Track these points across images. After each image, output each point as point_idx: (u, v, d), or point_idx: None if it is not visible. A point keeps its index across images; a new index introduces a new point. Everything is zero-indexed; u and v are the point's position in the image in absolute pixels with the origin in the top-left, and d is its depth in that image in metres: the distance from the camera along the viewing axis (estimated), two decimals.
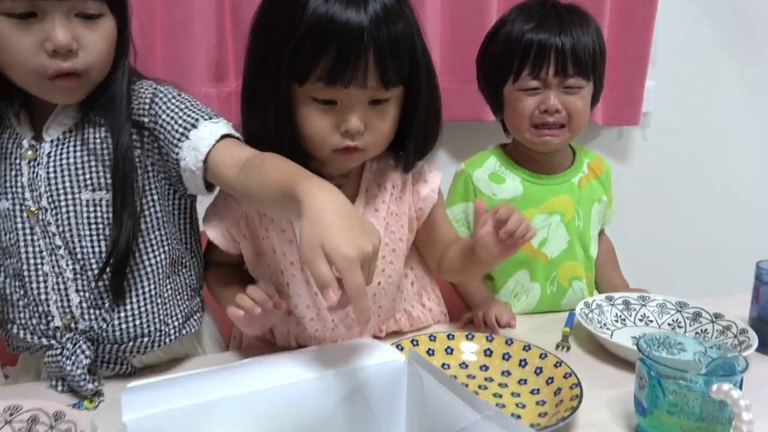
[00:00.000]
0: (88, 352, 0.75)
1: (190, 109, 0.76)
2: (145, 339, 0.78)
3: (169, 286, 0.80)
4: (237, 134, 0.77)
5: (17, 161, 0.75)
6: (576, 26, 0.95)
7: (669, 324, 0.95)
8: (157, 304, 0.78)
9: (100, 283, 0.75)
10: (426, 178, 0.88)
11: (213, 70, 1.26)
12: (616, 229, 1.18)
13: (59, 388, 0.76)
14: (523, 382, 0.77)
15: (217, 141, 0.73)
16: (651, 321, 0.96)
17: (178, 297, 0.82)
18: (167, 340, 0.80)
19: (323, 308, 0.81)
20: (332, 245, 0.52)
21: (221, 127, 0.75)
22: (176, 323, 0.81)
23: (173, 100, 0.77)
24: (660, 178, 1.69)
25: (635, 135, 1.66)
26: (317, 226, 0.54)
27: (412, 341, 0.82)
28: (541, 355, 0.78)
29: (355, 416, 0.56)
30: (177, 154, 0.74)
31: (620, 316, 0.97)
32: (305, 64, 0.70)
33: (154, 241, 0.78)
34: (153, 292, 0.78)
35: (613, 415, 0.72)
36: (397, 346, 0.80)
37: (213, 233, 0.82)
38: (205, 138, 0.73)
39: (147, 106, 0.76)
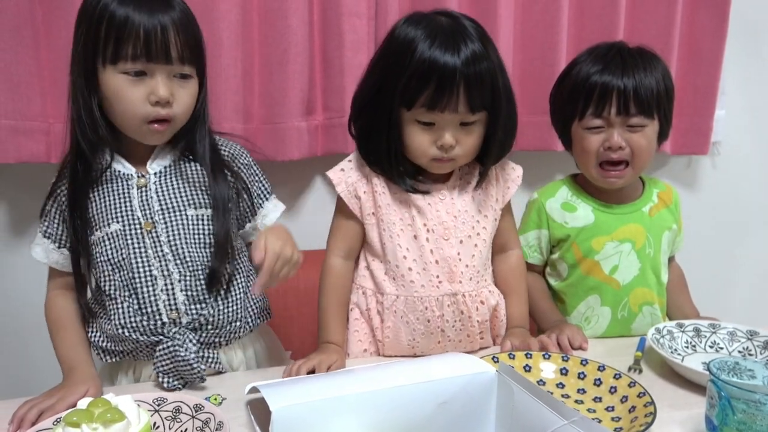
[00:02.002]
0: (194, 340, 0.90)
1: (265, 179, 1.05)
2: (238, 323, 0.95)
3: (246, 282, 0.97)
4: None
5: (126, 191, 0.92)
6: (640, 69, 1.01)
7: (739, 351, 0.98)
8: (245, 293, 0.97)
9: (202, 281, 0.91)
10: (509, 165, 1.08)
11: (304, 106, 1.40)
12: (686, 258, 1.21)
13: (166, 383, 0.88)
14: (598, 399, 0.83)
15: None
16: (721, 348, 0.99)
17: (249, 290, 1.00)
18: (248, 327, 0.98)
19: (429, 263, 0.97)
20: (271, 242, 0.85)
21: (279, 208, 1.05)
22: (253, 313, 0.99)
23: (254, 164, 1.04)
24: (729, 207, 1.69)
25: (705, 164, 1.67)
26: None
27: (492, 358, 0.89)
28: (615, 375, 0.84)
29: (451, 419, 0.64)
30: (260, 206, 1.03)
31: (691, 343, 1.00)
32: (412, 94, 0.91)
33: (238, 245, 0.98)
34: (242, 286, 0.96)
35: None
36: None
37: (346, 196, 1.00)
38: (269, 215, 1.03)
39: (232, 155, 1.01)
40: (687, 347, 1.00)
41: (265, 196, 1.04)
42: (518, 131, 1.48)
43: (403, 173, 0.98)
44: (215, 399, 0.83)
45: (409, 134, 0.94)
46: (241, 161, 1.02)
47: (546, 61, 1.45)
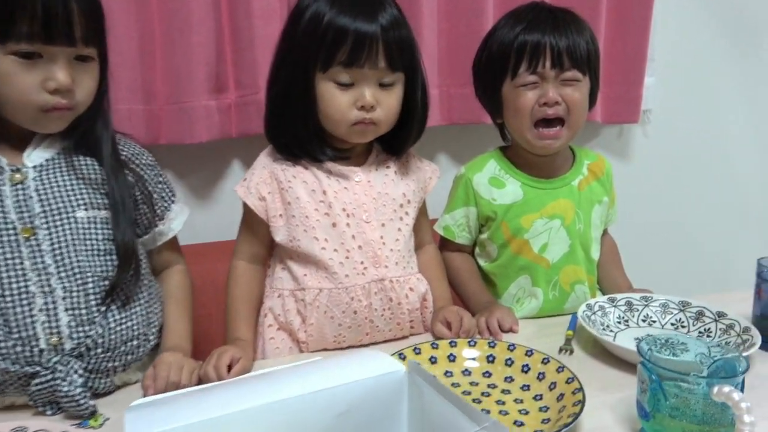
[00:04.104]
0: (81, 371, 0.76)
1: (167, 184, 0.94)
2: (134, 342, 0.82)
3: (147, 293, 0.86)
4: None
5: None
6: (570, 26, 0.97)
7: (672, 324, 0.95)
8: (144, 307, 0.84)
9: (93, 297, 0.78)
10: (425, 161, 1.04)
11: (213, 82, 1.28)
12: (618, 229, 1.18)
13: (49, 412, 0.75)
14: (526, 387, 0.77)
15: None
16: (654, 321, 0.96)
17: (155, 305, 0.88)
18: (149, 345, 0.85)
19: (351, 249, 0.90)
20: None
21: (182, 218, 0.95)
22: (155, 329, 0.87)
23: (157, 165, 0.93)
24: (661, 176, 1.69)
25: (636, 133, 1.65)
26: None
27: (414, 349, 0.82)
28: (543, 360, 0.79)
29: (357, 428, 0.56)
30: (167, 210, 0.92)
31: (623, 318, 0.97)
32: (328, 54, 0.86)
33: (140, 251, 0.86)
34: (138, 297, 0.84)
35: (617, 419, 0.72)
36: (399, 355, 0.80)
37: (250, 199, 0.92)
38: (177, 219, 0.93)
39: (132, 155, 0.89)
40: (619, 322, 0.96)
41: (170, 198, 0.93)
42: (447, 104, 1.45)
43: (323, 144, 0.92)
44: (95, 420, 0.73)
45: (327, 98, 0.88)
46: (142, 161, 0.90)
47: (472, 28, 1.38)
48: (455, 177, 1.10)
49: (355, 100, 0.88)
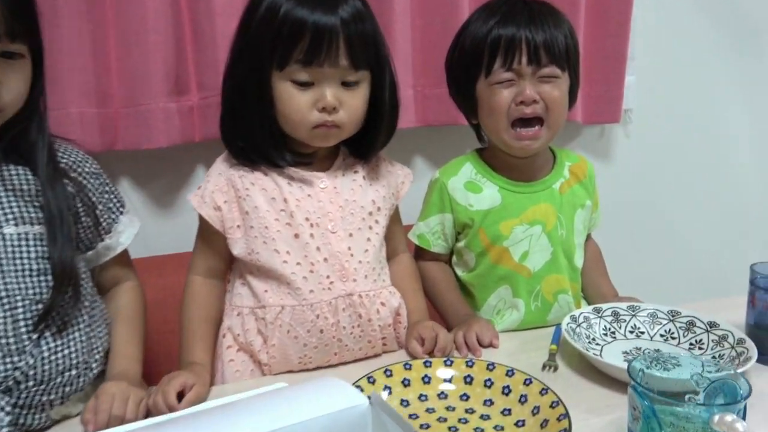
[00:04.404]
0: (8, 408, 0.68)
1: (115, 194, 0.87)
2: (73, 372, 0.74)
3: (88, 316, 0.78)
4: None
5: None
6: (547, 20, 0.91)
7: (661, 335, 0.89)
8: (85, 332, 0.76)
9: (24, 323, 0.70)
10: (398, 164, 0.97)
11: (172, 83, 1.20)
12: (602, 233, 1.13)
13: None
14: (507, 412, 0.71)
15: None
16: (642, 332, 0.90)
17: (99, 328, 0.80)
18: (91, 374, 0.77)
19: (315, 262, 0.83)
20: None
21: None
22: (98, 355, 0.78)
23: (102, 174, 0.85)
24: (645, 177, 1.64)
25: (617, 133, 1.61)
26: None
27: (385, 371, 0.75)
28: (525, 381, 0.72)
29: None
30: (115, 222, 0.85)
31: (609, 329, 0.91)
32: (284, 50, 0.79)
33: (81, 269, 0.77)
34: (78, 321, 0.75)
35: None
36: (368, 379, 0.73)
37: (204, 209, 0.85)
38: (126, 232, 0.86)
39: (74, 163, 0.81)
40: (606, 334, 0.90)
41: (118, 209, 0.86)
42: (422, 105, 1.39)
43: (281, 147, 0.85)
44: None
45: (284, 98, 0.82)
46: (86, 169, 0.82)
47: (447, 24, 1.31)
48: (429, 182, 1.04)
49: (315, 101, 0.81)
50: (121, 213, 0.86)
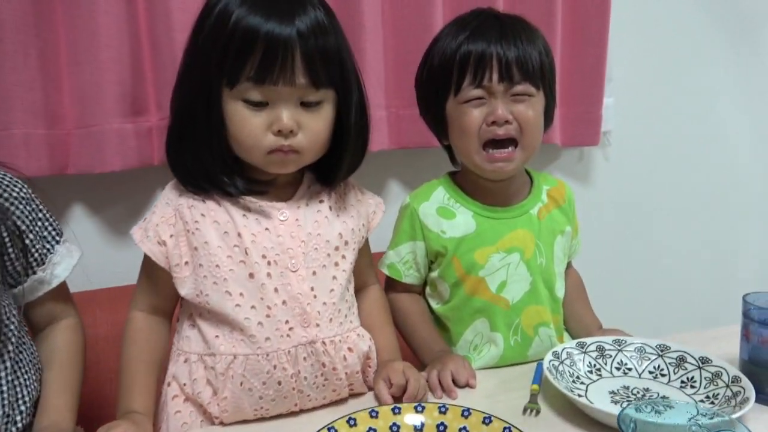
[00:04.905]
0: None
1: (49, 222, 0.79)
2: None
3: (11, 363, 0.70)
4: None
5: None
6: (519, 34, 0.86)
7: (650, 372, 0.83)
8: (8, 381, 0.68)
9: None
10: (368, 192, 0.90)
11: (128, 103, 1.12)
12: (582, 261, 1.07)
13: None
14: None
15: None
16: (630, 369, 0.84)
17: (26, 375, 0.71)
18: (15, 428, 0.68)
19: (273, 306, 0.74)
20: None
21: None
22: (24, 406, 0.70)
23: (34, 199, 0.78)
24: (625, 200, 1.60)
25: (596, 156, 1.57)
26: None
27: (348, 420, 0.67)
28: (504, 430, 0.65)
29: None
30: (49, 252, 0.77)
31: (595, 366, 0.84)
32: (234, 66, 0.71)
33: (6, 311, 0.69)
34: (7, 368, 0.68)
35: None
36: (329, 430, 0.65)
37: (146, 244, 0.77)
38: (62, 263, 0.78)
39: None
40: (591, 372, 0.83)
41: (53, 238, 0.78)
42: (396, 126, 1.33)
43: (233, 174, 0.77)
44: None
45: (236, 120, 0.73)
46: (13, 194, 0.74)
47: (421, 44, 1.25)
48: (400, 207, 0.97)
49: (270, 123, 0.73)
50: (57, 242, 0.78)
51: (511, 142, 0.87)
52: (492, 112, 0.85)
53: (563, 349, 0.84)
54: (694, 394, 0.78)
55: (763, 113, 1.70)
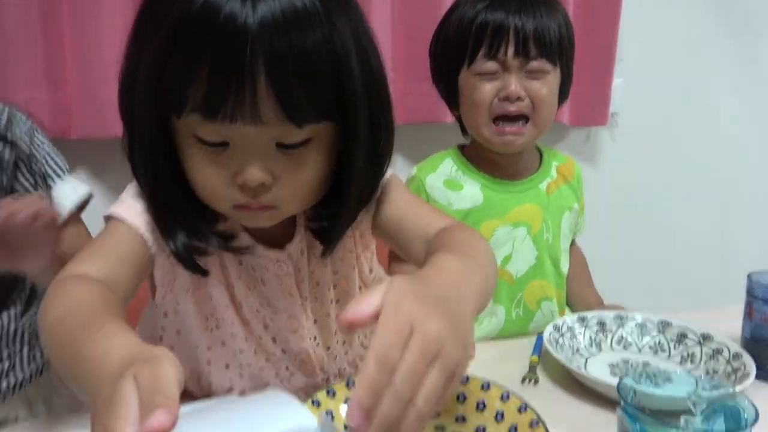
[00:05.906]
0: None
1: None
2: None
3: (24, 305, 0.70)
4: None
5: None
6: (539, 7, 0.84)
7: (650, 347, 0.83)
8: (27, 325, 0.69)
9: None
10: (389, 195, 0.67)
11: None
12: (586, 240, 1.07)
13: None
14: (481, 430, 0.63)
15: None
16: (630, 344, 0.84)
17: None
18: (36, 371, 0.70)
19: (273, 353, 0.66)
20: None
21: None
22: (37, 354, 0.71)
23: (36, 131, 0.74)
24: (631, 181, 1.59)
25: (604, 136, 1.56)
26: None
27: (327, 392, 0.67)
28: (502, 396, 0.65)
29: None
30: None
31: (595, 340, 0.84)
32: (176, 86, 0.48)
33: None
34: (17, 309, 0.69)
35: None
36: (312, 403, 0.65)
37: (132, 216, 0.56)
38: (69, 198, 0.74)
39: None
40: (591, 345, 0.84)
41: (55, 172, 0.75)
42: (402, 102, 1.32)
43: (201, 223, 0.57)
44: None
45: (189, 163, 0.53)
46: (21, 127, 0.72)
47: (430, 17, 1.25)
48: (407, 179, 0.97)
49: (233, 174, 0.52)
50: (60, 176, 0.75)
51: (522, 117, 0.86)
52: (505, 87, 0.84)
53: (564, 323, 0.84)
54: (693, 369, 0.78)
55: None
